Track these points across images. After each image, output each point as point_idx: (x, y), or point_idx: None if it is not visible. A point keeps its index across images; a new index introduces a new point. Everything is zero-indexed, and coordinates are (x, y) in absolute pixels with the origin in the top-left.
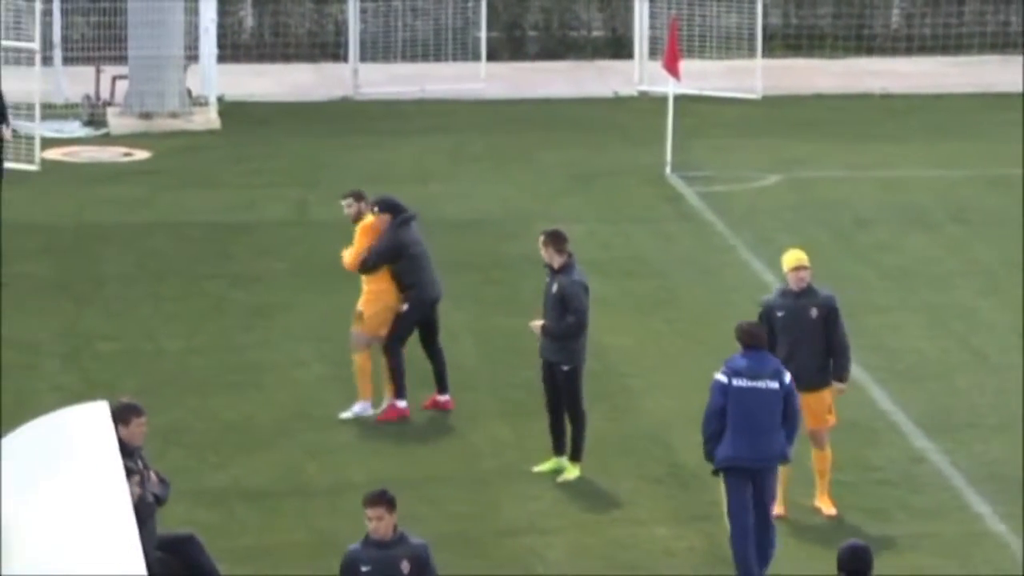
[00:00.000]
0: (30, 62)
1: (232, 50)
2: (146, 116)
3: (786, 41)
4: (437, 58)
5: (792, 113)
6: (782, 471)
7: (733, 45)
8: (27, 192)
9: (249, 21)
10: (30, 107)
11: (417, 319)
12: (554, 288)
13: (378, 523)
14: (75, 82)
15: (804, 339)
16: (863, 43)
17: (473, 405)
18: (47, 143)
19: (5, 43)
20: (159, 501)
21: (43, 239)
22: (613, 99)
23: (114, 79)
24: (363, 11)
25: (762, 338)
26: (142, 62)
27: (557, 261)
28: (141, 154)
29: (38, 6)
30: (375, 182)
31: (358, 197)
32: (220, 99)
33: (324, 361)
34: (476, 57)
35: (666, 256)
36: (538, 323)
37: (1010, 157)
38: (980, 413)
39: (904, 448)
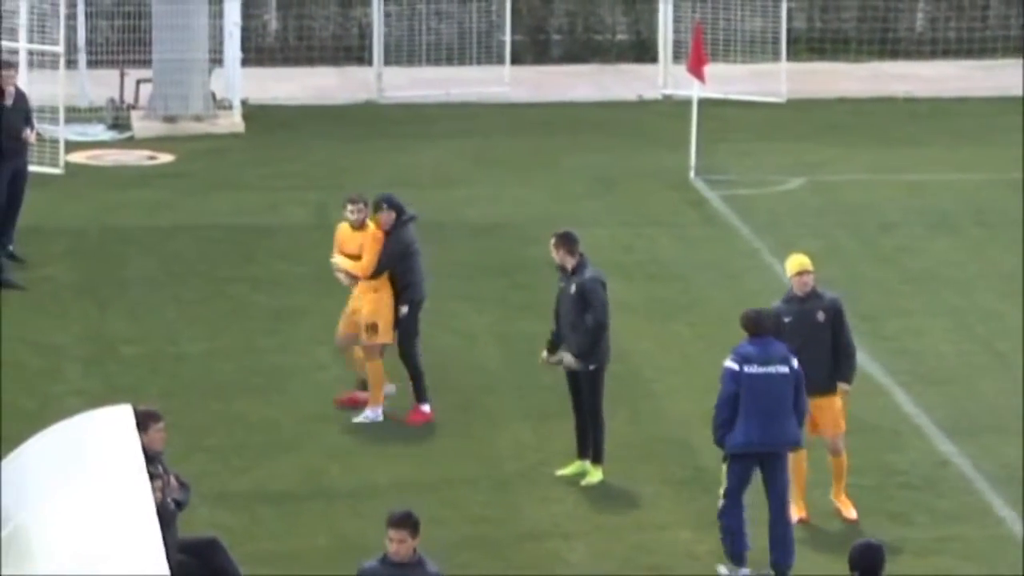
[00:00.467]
0: (54, 65)
1: (256, 53)
2: (170, 119)
3: (810, 45)
4: (461, 62)
5: (816, 117)
6: (798, 473)
7: (757, 49)
8: (51, 195)
9: (273, 24)
10: (54, 110)
11: (416, 316)
12: (572, 289)
13: (400, 545)
14: (99, 85)
15: (811, 343)
16: (887, 47)
17: (496, 408)
18: (71, 146)
19: (30, 46)
20: (180, 506)
21: (67, 242)
22: (637, 103)
23: (138, 82)
24: (387, 15)
25: (767, 324)
26: (166, 65)
27: (570, 263)
28: (165, 157)
29: (62, 10)
30: (398, 186)
31: (366, 203)
32: (244, 102)
33: (345, 365)
34: (500, 61)
35: (689, 260)
36: (560, 356)
37: None
38: (1003, 416)
39: (927, 452)
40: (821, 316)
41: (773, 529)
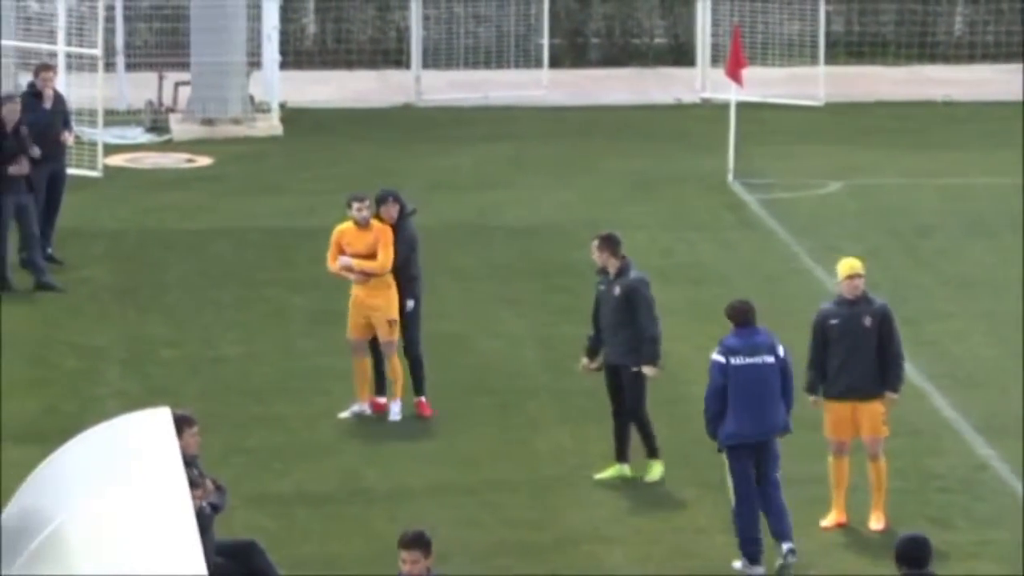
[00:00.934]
0: (93, 68)
1: (295, 56)
2: (208, 122)
3: (849, 48)
4: (499, 65)
5: (854, 120)
6: (840, 477)
7: (796, 52)
8: (90, 198)
9: (312, 28)
10: (93, 113)
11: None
12: (616, 291)
13: (413, 566)
14: (138, 88)
15: (858, 348)
16: (926, 50)
17: (535, 412)
18: (110, 149)
19: (68, 49)
20: (216, 509)
21: (105, 245)
22: (675, 106)
23: (177, 85)
24: (425, 18)
25: (752, 314)
26: (205, 68)
27: (613, 265)
28: (203, 160)
29: (101, 12)
30: (437, 189)
31: (369, 201)
32: (282, 105)
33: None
34: (538, 64)
35: (728, 263)
36: (650, 370)
37: None
38: None
39: (966, 455)
40: (868, 321)
41: (770, 506)
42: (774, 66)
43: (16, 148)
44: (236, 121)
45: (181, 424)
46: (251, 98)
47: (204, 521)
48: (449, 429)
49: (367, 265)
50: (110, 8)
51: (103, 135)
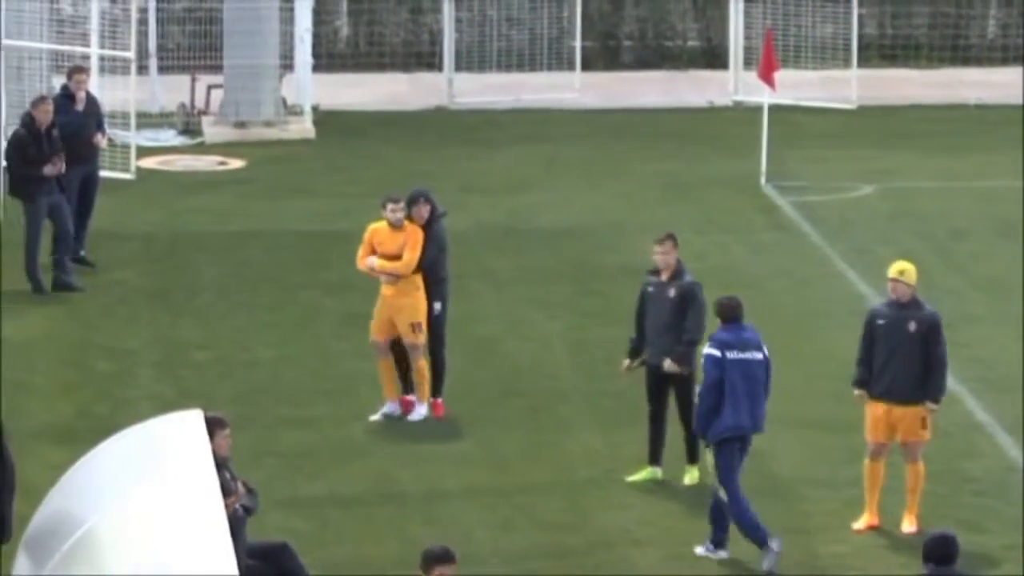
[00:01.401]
0: (126, 71)
1: (327, 59)
2: (241, 125)
3: (881, 51)
4: (532, 68)
5: (887, 123)
6: (874, 479)
7: (828, 55)
8: (122, 200)
9: (344, 30)
10: (125, 116)
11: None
12: (671, 292)
13: None
14: (170, 91)
15: (900, 351)
16: (958, 53)
17: (567, 415)
18: (142, 152)
19: (101, 52)
20: (248, 512)
21: (138, 247)
22: (708, 109)
23: (209, 88)
24: (458, 20)
25: (740, 310)
26: (237, 71)
27: (671, 266)
28: (236, 163)
29: (134, 15)
30: (470, 192)
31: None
32: (315, 108)
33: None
34: (571, 67)
35: (761, 266)
36: (673, 367)
37: None
38: None
39: (999, 458)
40: (912, 327)
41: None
42: (807, 69)
43: (49, 150)
44: (268, 124)
45: (213, 426)
46: (283, 101)
47: (236, 524)
48: (481, 431)
49: (390, 266)
50: (143, 11)
51: (136, 137)
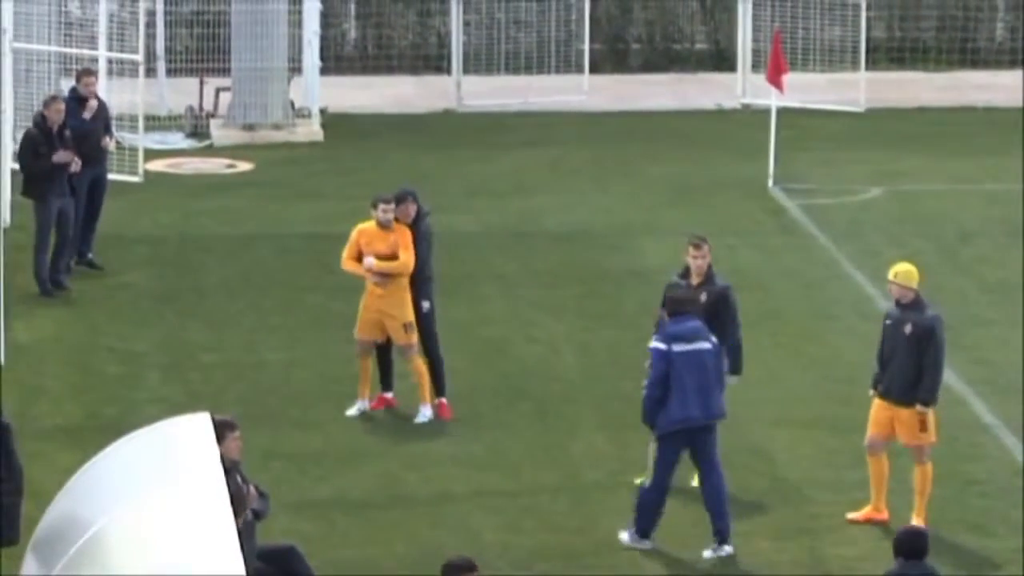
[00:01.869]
0: (134, 74)
1: (335, 62)
2: (249, 128)
3: (890, 54)
4: (540, 70)
5: (895, 126)
6: (879, 475)
7: (836, 58)
8: (130, 203)
9: (352, 33)
10: (133, 119)
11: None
12: (702, 297)
13: None
14: (178, 94)
15: (897, 352)
16: (967, 56)
17: (574, 417)
18: (150, 154)
19: (109, 54)
20: (258, 516)
21: (146, 250)
22: (716, 112)
23: (217, 91)
24: (466, 23)
25: (688, 304)
26: (245, 74)
27: (703, 271)
28: (244, 166)
29: (142, 18)
30: (477, 194)
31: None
32: (323, 111)
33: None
34: (579, 69)
35: (768, 269)
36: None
37: None
38: None
39: (1006, 462)
40: (908, 329)
41: (713, 499)
42: (815, 72)
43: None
44: (277, 126)
45: (223, 429)
46: (292, 103)
47: (247, 528)
48: (488, 433)
49: (389, 266)
50: (151, 13)
51: (144, 140)
